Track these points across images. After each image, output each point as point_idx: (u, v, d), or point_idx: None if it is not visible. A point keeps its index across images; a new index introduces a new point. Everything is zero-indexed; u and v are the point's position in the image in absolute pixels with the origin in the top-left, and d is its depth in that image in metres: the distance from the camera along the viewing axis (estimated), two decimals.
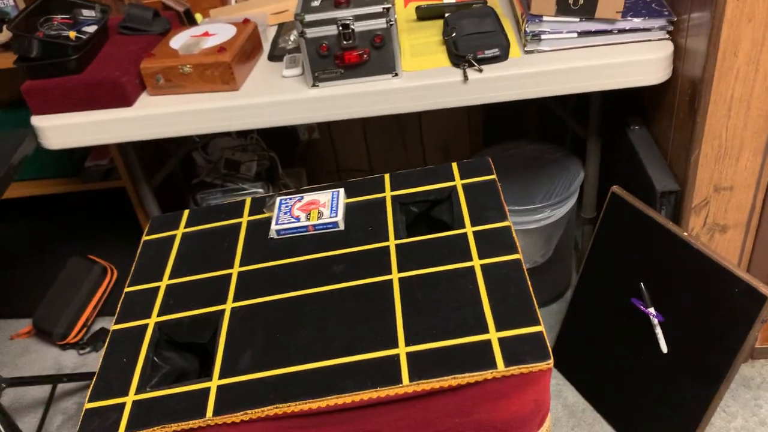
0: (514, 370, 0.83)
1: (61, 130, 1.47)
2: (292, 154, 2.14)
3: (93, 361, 1.97)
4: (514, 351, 0.85)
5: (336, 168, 2.25)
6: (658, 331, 1.40)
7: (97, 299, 2.03)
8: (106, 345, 1.01)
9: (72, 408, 1.85)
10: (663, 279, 1.39)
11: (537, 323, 0.87)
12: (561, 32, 1.38)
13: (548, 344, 0.84)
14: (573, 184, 1.70)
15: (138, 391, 0.93)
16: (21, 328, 2.10)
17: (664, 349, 1.39)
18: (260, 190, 1.82)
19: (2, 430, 1.54)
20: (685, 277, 1.35)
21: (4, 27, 1.77)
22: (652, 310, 1.41)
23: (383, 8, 1.32)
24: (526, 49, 1.40)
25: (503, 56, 1.39)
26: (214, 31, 1.51)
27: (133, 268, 1.14)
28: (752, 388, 1.59)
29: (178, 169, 2.07)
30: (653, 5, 1.38)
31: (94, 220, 2.18)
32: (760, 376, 1.61)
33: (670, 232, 1.37)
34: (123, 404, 0.92)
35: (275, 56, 1.56)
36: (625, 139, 1.62)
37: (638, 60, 1.34)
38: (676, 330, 1.37)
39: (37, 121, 1.47)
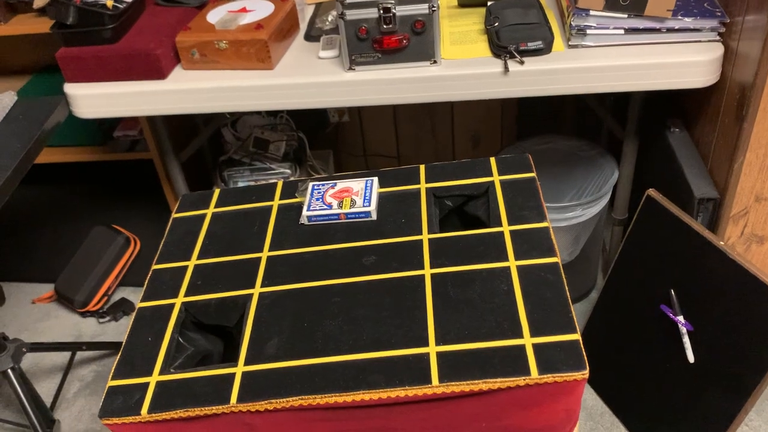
0: (548, 378, 0.81)
1: (93, 99, 1.45)
2: (321, 136, 2.12)
3: (112, 330, 1.99)
4: (549, 358, 0.82)
5: (363, 152, 2.23)
6: (686, 340, 1.37)
7: (119, 269, 2.03)
8: (131, 322, 1.00)
9: (89, 376, 1.86)
10: (694, 287, 1.36)
11: (574, 331, 0.85)
12: (607, 28, 1.33)
13: (584, 354, 0.82)
14: (606, 183, 1.66)
15: (162, 372, 0.92)
16: (43, 293, 2.11)
17: (691, 359, 1.37)
18: (287, 171, 1.80)
19: (21, 394, 1.55)
20: (717, 286, 1.31)
21: None
22: (681, 319, 1.38)
23: None
24: (570, 43, 1.36)
25: (546, 49, 1.35)
26: (252, 7, 1.49)
27: (161, 246, 1.13)
28: None
29: (206, 144, 2.06)
30: (705, 5, 1.33)
31: (120, 190, 2.18)
32: None
33: (705, 240, 1.33)
34: (147, 384, 0.91)
35: (312, 36, 1.53)
36: (664, 141, 1.57)
37: (686, 61, 1.29)
38: (704, 340, 1.34)
39: (70, 89, 1.46)
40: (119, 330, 1.98)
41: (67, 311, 2.06)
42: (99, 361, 1.90)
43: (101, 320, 2.01)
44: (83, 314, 2.03)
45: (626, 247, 1.51)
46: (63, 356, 1.92)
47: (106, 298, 2.02)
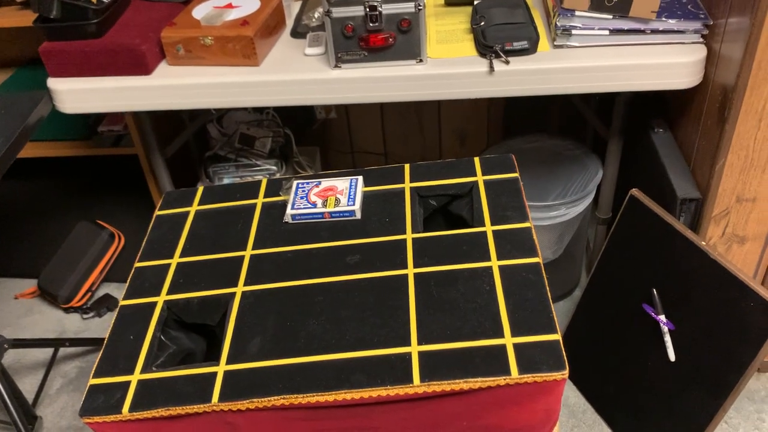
0: (528, 378, 0.82)
1: (77, 94, 1.44)
2: (307, 133, 2.12)
3: (96, 326, 1.97)
4: (530, 358, 0.83)
5: (350, 149, 2.22)
6: (667, 338, 1.39)
7: (104, 265, 2.02)
8: (113, 320, 1.00)
9: (72, 372, 1.85)
10: (676, 287, 1.37)
11: (554, 331, 0.86)
12: (593, 28, 1.34)
13: (564, 354, 0.82)
14: (591, 183, 1.67)
15: (144, 370, 0.92)
16: (26, 288, 2.10)
17: (672, 357, 1.38)
18: (274, 168, 1.80)
19: (2, 390, 1.54)
20: (699, 286, 1.33)
21: None
22: (662, 318, 1.39)
23: None
24: (555, 43, 1.37)
25: (532, 49, 1.36)
26: (238, 3, 1.48)
27: (144, 243, 1.12)
28: (756, 401, 1.58)
29: (192, 140, 2.05)
30: (689, 7, 1.34)
31: (105, 185, 2.17)
32: (765, 389, 1.60)
33: (687, 240, 1.35)
34: (128, 383, 0.91)
35: (298, 33, 1.53)
36: (648, 141, 1.59)
37: (670, 62, 1.30)
38: (685, 339, 1.36)
39: (53, 83, 1.44)
40: (103, 326, 1.97)
41: (50, 307, 2.05)
42: (82, 357, 1.89)
43: (85, 316, 1.99)
44: (67, 310, 2.02)
45: (609, 246, 1.53)
46: (46, 352, 1.91)
47: (90, 294, 2.01)
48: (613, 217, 1.74)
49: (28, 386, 1.82)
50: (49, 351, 1.89)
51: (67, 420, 1.73)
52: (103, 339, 1.86)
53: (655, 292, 1.41)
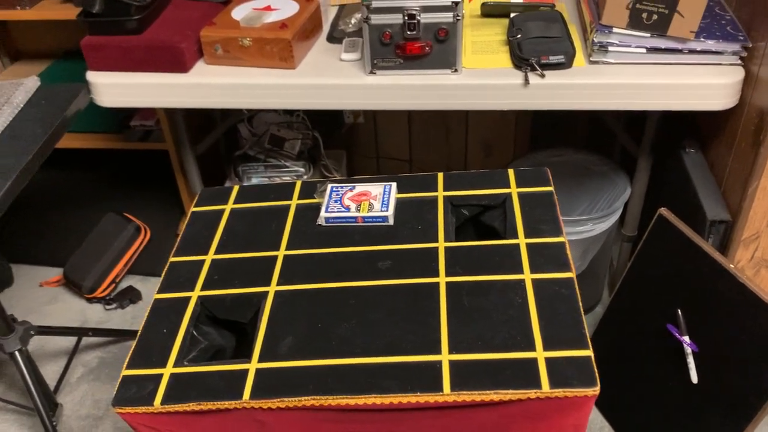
0: (559, 392, 0.82)
1: (115, 88, 1.47)
2: (335, 136, 2.13)
3: (118, 317, 2.00)
4: (561, 373, 0.83)
5: (376, 154, 2.24)
6: (690, 360, 1.38)
7: (129, 257, 2.04)
8: (147, 313, 1.02)
9: (93, 362, 1.88)
10: (701, 308, 1.36)
11: (586, 347, 0.86)
12: (630, 46, 1.34)
13: (596, 371, 0.83)
14: (618, 199, 1.67)
15: (176, 364, 0.93)
16: (51, 276, 2.12)
17: (695, 379, 1.37)
18: (301, 169, 1.81)
19: (27, 376, 1.57)
20: (725, 309, 1.32)
21: None
22: (686, 339, 1.38)
23: (452, 2, 1.30)
24: (591, 59, 1.37)
25: (567, 64, 1.36)
26: (277, 6, 1.50)
27: (179, 238, 1.14)
28: None
29: (222, 138, 2.07)
30: (729, 28, 1.34)
31: (134, 178, 2.20)
32: None
33: (715, 262, 1.34)
34: (161, 375, 0.92)
35: (334, 38, 1.54)
36: (678, 160, 1.58)
37: (706, 83, 1.30)
38: (708, 361, 1.35)
39: (92, 77, 1.47)
40: (125, 318, 1.99)
41: (73, 296, 2.08)
42: (103, 347, 1.92)
43: (107, 307, 2.02)
44: (90, 300, 2.04)
45: (635, 264, 1.52)
46: (68, 341, 1.93)
47: (113, 285, 2.03)
48: (638, 236, 1.73)
49: (50, 373, 1.84)
50: (72, 339, 1.91)
51: (86, 409, 1.75)
52: (126, 331, 1.88)
53: (679, 313, 1.40)
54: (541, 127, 2.12)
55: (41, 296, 2.09)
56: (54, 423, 1.59)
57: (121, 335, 1.87)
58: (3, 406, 1.76)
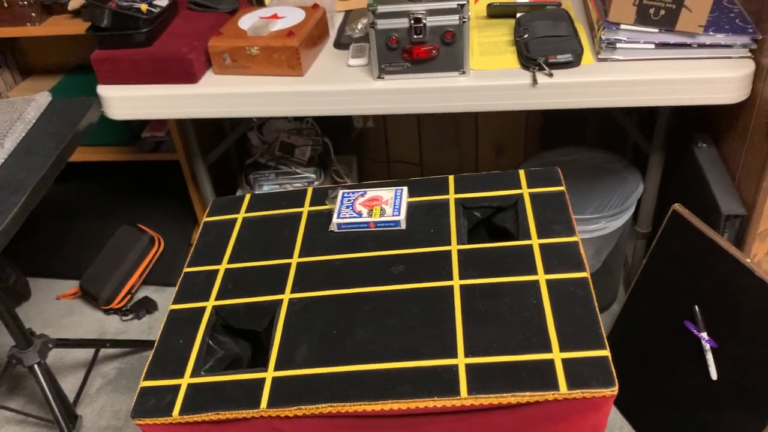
0: (577, 393, 0.81)
1: (125, 101, 1.48)
2: (345, 141, 2.13)
3: (135, 328, 2.01)
4: (578, 374, 0.83)
5: (386, 158, 2.24)
6: (709, 357, 1.37)
7: (143, 268, 2.06)
8: (163, 324, 1.02)
9: (111, 373, 1.89)
10: (719, 304, 1.35)
11: (603, 347, 0.85)
12: (638, 42, 1.34)
13: (614, 371, 0.82)
14: (631, 196, 1.66)
15: (193, 374, 0.94)
16: (68, 289, 2.14)
17: (714, 376, 1.36)
18: (312, 176, 1.82)
19: (47, 389, 1.58)
20: (742, 303, 1.31)
21: None
22: (704, 335, 1.37)
23: (458, 4, 1.30)
24: (599, 56, 1.36)
25: (575, 62, 1.36)
26: (284, 14, 1.51)
27: (192, 249, 1.14)
28: None
29: (233, 147, 2.08)
30: (737, 21, 1.33)
31: (146, 190, 2.21)
32: None
33: (731, 257, 1.33)
34: (178, 386, 0.93)
35: (341, 44, 1.55)
36: (691, 155, 1.57)
37: (717, 77, 1.29)
38: (727, 357, 1.34)
39: (103, 90, 1.48)
40: (141, 328, 2.01)
41: (90, 308, 2.09)
42: (121, 358, 1.93)
43: (124, 318, 2.03)
44: (107, 311, 2.06)
45: (650, 261, 1.51)
46: (86, 352, 1.95)
47: (129, 296, 2.05)
48: (653, 232, 1.72)
49: (69, 385, 1.85)
50: (90, 351, 1.93)
51: (106, 420, 1.76)
52: (143, 341, 1.89)
53: (697, 309, 1.39)
54: (552, 127, 2.11)
55: (58, 309, 2.11)
56: None
57: (138, 346, 1.88)
58: (23, 419, 1.78)
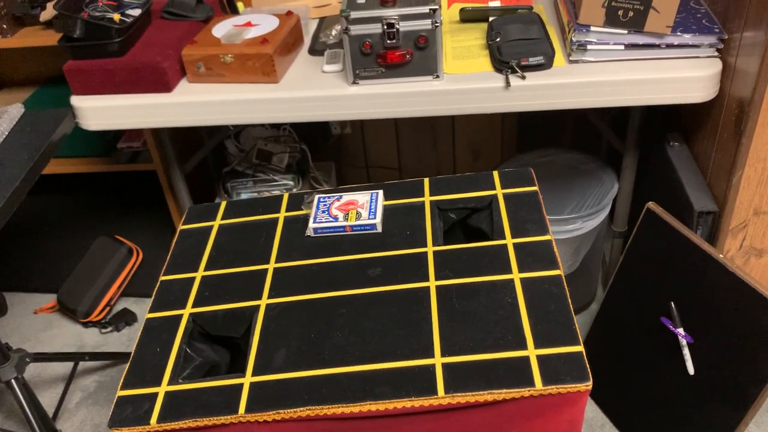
0: (552, 389, 0.82)
1: (99, 111, 1.47)
2: (323, 148, 2.14)
3: (114, 340, 1.99)
4: (553, 370, 0.84)
5: (365, 164, 2.24)
6: (686, 352, 1.38)
7: (122, 280, 2.04)
8: (139, 333, 1.01)
9: (91, 386, 1.87)
10: (694, 300, 1.37)
11: (577, 343, 0.86)
12: (608, 43, 1.36)
13: (588, 366, 0.83)
14: (606, 196, 1.68)
15: (171, 382, 0.93)
16: (45, 303, 2.12)
17: (691, 371, 1.38)
18: (290, 183, 1.82)
19: (25, 404, 1.56)
20: (717, 299, 1.33)
21: (48, 4, 1.78)
22: (681, 331, 1.39)
23: (430, 9, 1.31)
24: (571, 58, 1.38)
25: (547, 64, 1.37)
26: (257, 22, 1.51)
27: (169, 257, 1.14)
28: None
29: (210, 155, 2.08)
30: (704, 21, 1.36)
31: (123, 201, 2.20)
32: None
33: (704, 253, 1.35)
34: (156, 394, 0.92)
35: (316, 50, 1.55)
36: (663, 154, 1.60)
37: (685, 77, 1.32)
38: (704, 352, 1.36)
39: (77, 101, 1.47)
40: (121, 340, 1.99)
41: (69, 321, 2.07)
42: (101, 371, 1.91)
43: (103, 330, 2.01)
44: (85, 324, 2.04)
45: (626, 260, 1.53)
46: (65, 366, 1.93)
47: (108, 308, 2.03)
48: (629, 231, 1.74)
49: (48, 400, 1.83)
50: (69, 365, 1.91)
51: None
52: (122, 353, 1.88)
53: (673, 305, 1.41)
54: (528, 129, 2.13)
55: (36, 323, 2.08)
56: None
57: (118, 358, 1.86)
58: None
